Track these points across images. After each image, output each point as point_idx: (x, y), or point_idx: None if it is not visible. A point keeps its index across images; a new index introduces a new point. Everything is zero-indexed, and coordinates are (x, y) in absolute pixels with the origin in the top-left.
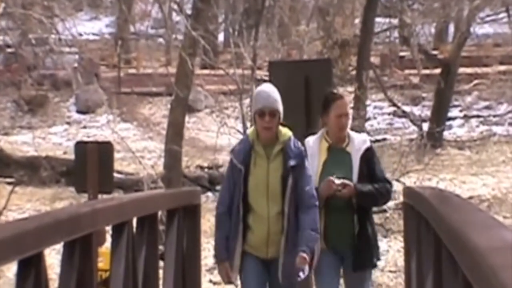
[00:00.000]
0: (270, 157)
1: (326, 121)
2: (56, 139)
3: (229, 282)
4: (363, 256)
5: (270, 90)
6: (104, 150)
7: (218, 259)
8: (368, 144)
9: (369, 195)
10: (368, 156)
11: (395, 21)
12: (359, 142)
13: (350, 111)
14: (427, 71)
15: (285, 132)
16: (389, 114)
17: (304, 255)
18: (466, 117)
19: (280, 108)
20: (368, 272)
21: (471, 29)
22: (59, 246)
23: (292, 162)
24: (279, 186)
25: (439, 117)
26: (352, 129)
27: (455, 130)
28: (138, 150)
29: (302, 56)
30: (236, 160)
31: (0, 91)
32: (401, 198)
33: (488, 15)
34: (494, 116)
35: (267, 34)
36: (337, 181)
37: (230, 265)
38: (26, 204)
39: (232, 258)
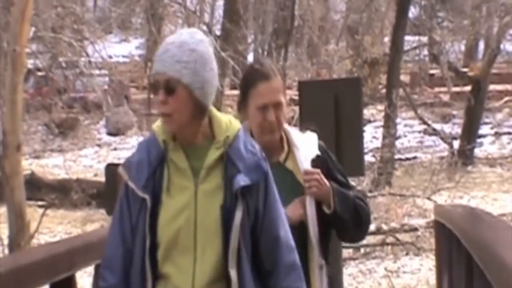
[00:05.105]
0: (200, 172)
1: (245, 115)
2: (86, 162)
3: None
4: None
5: (178, 40)
6: None
7: None
8: (315, 150)
9: (352, 207)
10: (321, 165)
11: (424, 39)
12: (303, 149)
13: (283, 100)
14: (457, 89)
15: (229, 123)
16: (419, 132)
17: None
18: (497, 134)
19: (192, 76)
20: None
21: (501, 46)
22: (90, 269)
23: (242, 180)
24: (219, 228)
25: (470, 134)
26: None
27: (486, 147)
28: None
29: (331, 76)
30: (133, 182)
31: (31, 114)
32: (433, 216)
33: None
34: None
35: (296, 54)
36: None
37: None
38: (57, 227)
39: None
